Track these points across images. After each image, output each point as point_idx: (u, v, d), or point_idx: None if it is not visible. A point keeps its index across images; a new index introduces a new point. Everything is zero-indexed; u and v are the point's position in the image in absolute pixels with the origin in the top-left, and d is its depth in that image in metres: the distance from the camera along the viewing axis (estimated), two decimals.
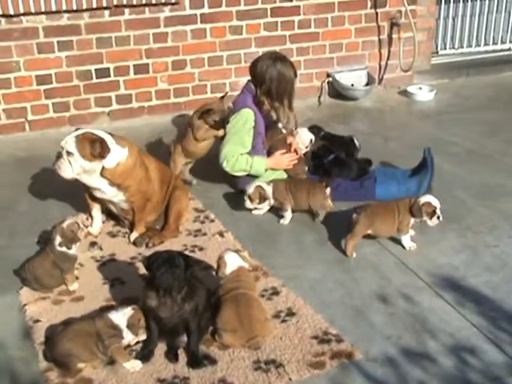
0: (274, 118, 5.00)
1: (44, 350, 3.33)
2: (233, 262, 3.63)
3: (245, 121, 4.89)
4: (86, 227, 4.28)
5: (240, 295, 3.49)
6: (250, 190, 4.62)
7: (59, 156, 4.18)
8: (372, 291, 3.86)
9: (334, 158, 5.11)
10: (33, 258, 4.00)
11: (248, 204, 4.64)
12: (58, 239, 3.87)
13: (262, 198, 4.63)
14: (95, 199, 4.48)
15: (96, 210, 4.57)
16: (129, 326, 3.29)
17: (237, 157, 4.83)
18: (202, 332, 3.42)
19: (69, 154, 4.12)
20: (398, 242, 4.37)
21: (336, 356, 3.30)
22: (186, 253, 4.23)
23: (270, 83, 4.88)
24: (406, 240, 4.30)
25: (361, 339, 3.42)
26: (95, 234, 4.53)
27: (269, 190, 4.64)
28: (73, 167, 4.14)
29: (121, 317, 3.31)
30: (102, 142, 4.10)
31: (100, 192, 4.33)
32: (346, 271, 4.07)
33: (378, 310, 3.69)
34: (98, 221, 4.60)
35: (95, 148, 4.07)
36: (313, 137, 5.17)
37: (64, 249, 3.88)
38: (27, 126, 6.46)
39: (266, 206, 4.73)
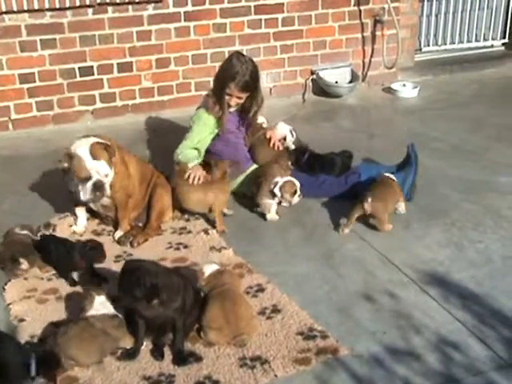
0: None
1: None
2: (210, 268, 3.64)
3: (194, 120, 4.99)
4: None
5: (225, 292, 3.49)
6: (280, 183, 4.63)
7: (97, 184, 4.17)
8: (357, 287, 3.87)
9: (317, 155, 5.11)
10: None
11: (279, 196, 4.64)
12: (17, 228, 4.28)
13: (294, 192, 4.65)
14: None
15: (80, 208, 4.55)
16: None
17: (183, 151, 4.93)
18: (188, 330, 3.41)
19: (107, 175, 4.20)
20: (382, 237, 4.39)
21: (321, 352, 3.30)
22: (171, 252, 4.26)
23: (214, 79, 5.03)
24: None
25: (346, 335, 3.43)
26: (80, 233, 4.52)
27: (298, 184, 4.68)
28: (108, 184, 4.24)
29: (107, 305, 3.37)
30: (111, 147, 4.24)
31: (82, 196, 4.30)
32: (331, 267, 4.08)
33: (363, 306, 3.70)
34: (82, 219, 4.58)
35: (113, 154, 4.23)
36: (290, 129, 5.19)
37: (25, 231, 4.27)
38: (10, 125, 6.42)
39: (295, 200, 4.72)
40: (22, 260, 3.96)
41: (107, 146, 4.20)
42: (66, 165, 4.17)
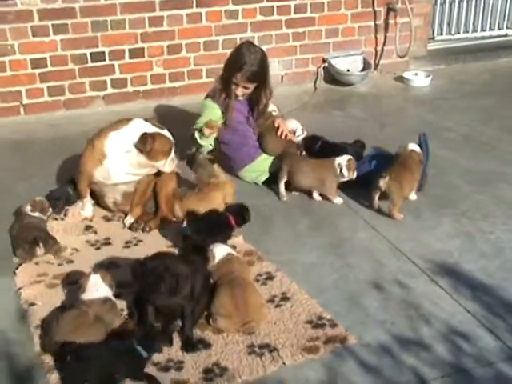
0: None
1: (42, 343, 3.30)
2: (221, 252, 3.65)
3: (202, 109, 5.04)
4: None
5: (234, 279, 3.50)
6: (344, 162, 4.67)
7: (175, 150, 4.37)
8: (366, 276, 3.87)
9: (330, 144, 5.10)
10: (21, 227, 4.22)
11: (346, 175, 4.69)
12: (28, 207, 4.28)
13: (353, 170, 4.70)
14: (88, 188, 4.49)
15: (88, 199, 4.56)
16: (111, 287, 3.42)
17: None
18: (197, 316, 3.42)
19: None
20: (392, 227, 4.38)
21: (330, 341, 3.31)
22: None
23: (223, 67, 5.02)
24: None
25: (355, 324, 3.43)
26: (89, 217, 4.52)
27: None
28: None
29: (101, 288, 3.36)
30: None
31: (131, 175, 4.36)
32: (341, 256, 4.08)
33: (372, 295, 3.70)
34: (89, 204, 4.56)
35: None
36: (302, 127, 5.18)
37: (37, 213, 4.27)
38: (22, 110, 6.43)
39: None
40: (40, 245, 3.98)
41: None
42: (149, 147, 4.16)
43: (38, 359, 3.20)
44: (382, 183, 4.42)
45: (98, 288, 3.36)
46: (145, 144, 4.15)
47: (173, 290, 3.20)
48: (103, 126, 4.39)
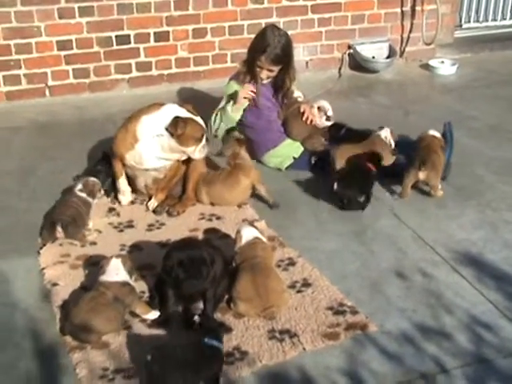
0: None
1: (61, 326, 3.32)
2: (248, 234, 3.64)
3: (226, 91, 5.01)
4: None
5: (256, 264, 3.50)
6: (388, 134, 4.83)
7: (207, 138, 4.38)
8: (388, 264, 3.86)
9: (354, 131, 5.08)
10: (57, 205, 4.23)
11: None
12: (79, 186, 4.21)
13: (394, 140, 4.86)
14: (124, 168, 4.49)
15: (123, 178, 4.51)
16: (130, 273, 3.40)
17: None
18: (218, 300, 3.44)
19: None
20: (415, 215, 4.36)
21: (350, 327, 3.31)
22: (203, 222, 4.27)
23: (247, 50, 5.00)
24: None
25: (376, 312, 3.43)
26: (127, 203, 4.55)
27: None
28: None
29: (121, 272, 3.37)
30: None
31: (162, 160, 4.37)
32: (363, 244, 4.07)
33: (394, 283, 3.69)
34: (126, 187, 4.54)
35: None
36: (329, 108, 5.15)
37: (85, 195, 4.19)
38: (47, 92, 6.47)
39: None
40: (59, 229, 3.99)
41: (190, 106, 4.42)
42: (180, 131, 4.16)
43: (61, 338, 3.24)
44: (421, 175, 4.45)
45: (117, 272, 3.37)
46: (176, 127, 4.14)
47: (197, 273, 3.21)
48: (136, 109, 4.40)
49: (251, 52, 4.89)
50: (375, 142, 4.78)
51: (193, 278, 3.20)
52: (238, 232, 3.67)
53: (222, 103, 4.99)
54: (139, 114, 4.30)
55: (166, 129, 4.17)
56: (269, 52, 4.76)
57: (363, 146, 4.74)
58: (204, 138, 4.30)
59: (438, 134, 4.72)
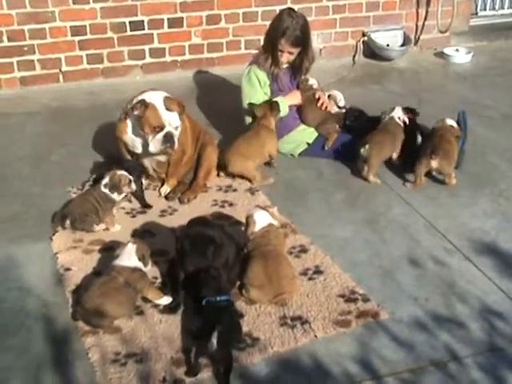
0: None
1: (73, 311, 3.34)
2: (262, 220, 3.62)
3: (248, 76, 4.95)
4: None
5: (268, 251, 3.50)
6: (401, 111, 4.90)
7: (168, 135, 4.19)
8: (400, 252, 3.85)
9: (368, 117, 5.07)
10: (76, 198, 4.22)
11: None
12: (105, 180, 4.08)
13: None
14: (131, 154, 4.48)
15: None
16: (141, 259, 3.39)
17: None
18: (230, 286, 3.44)
19: (177, 128, 4.23)
20: (428, 204, 4.35)
21: (362, 315, 3.31)
22: (216, 209, 4.28)
23: (265, 35, 5.00)
24: None
25: (387, 299, 3.43)
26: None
27: None
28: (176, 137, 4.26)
29: (133, 258, 3.36)
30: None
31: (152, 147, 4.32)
32: (375, 232, 4.06)
33: (406, 271, 3.69)
34: None
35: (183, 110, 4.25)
36: (341, 98, 5.14)
37: (107, 191, 4.06)
38: (61, 77, 6.47)
39: None
40: (67, 222, 4.01)
41: (179, 101, 4.27)
42: (137, 113, 4.16)
43: (73, 323, 3.27)
44: (434, 164, 4.44)
45: (130, 257, 3.38)
46: (134, 108, 4.15)
47: (202, 250, 3.21)
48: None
49: (270, 37, 4.88)
50: (393, 123, 4.80)
51: (196, 254, 3.20)
52: (251, 216, 3.63)
53: (246, 88, 4.95)
54: (132, 98, 4.33)
55: (129, 108, 4.18)
56: (288, 34, 4.77)
57: (387, 132, 4.75)
58: (163, 132, 4.17)
59: (454, 123, 4.70)
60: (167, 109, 4.18)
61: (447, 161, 4.47)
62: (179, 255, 3.28)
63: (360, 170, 4.63)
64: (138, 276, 3.35)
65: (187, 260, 3.22)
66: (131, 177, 4.14)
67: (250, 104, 4.81)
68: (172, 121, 4.19)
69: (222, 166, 4.69)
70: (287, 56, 4.89)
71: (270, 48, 4.86)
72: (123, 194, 4.14)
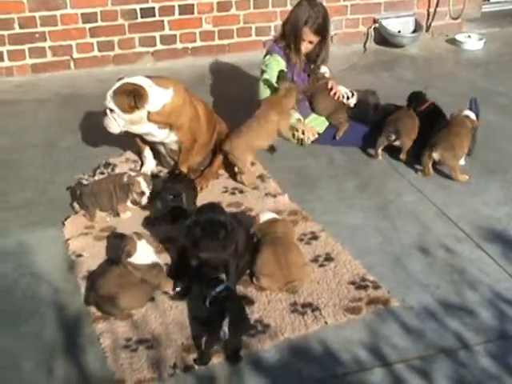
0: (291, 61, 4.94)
1: (86, 296, 3.37)
2: (267, 216, 3.66)
3: (268, 63, 4.92)
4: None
5: (278, 239, 3.50)
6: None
7: (105, 114, 4.21)
8: (411, 240, 3.85)
9: (383, 107, 5.05)
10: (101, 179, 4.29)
11: None
12: (126, 176, 4.09)
13: None
14: (145, 141, 4.49)
15: (148, 150, 4.58)
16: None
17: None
18: (241, 273, 3.45)
19: (111, 111, 4.17)
20: (439, 191, 4.34)
21: (372, 302, 3.31)
22: (226, 196, 4.28)
23: (284, 24, 4.95)
24: None
25: (398, 287, 3.43)
26: (148, 171, 4.57)
27: None
28: (118, 122, 4.19)
29: (150, 254, 3.39)
30: (138, 91, 4.08)
31: (151, 136, 4.33)
32: (386, 219, 4.06)
33: (417, 258, 3.68)
34: (150, 161, 4.61)
35: (132, 99, 4.08)
36: (349, 93, 5.13)
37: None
38: (72, 64, 6.49)
39: None
40: (76, 206, 4.06)
41: (130, 92, 4.11)
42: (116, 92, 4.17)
43: (85, 309, 3.28)
44: (435, 155, 4.41)
45: (147, 254, 3.38)
46: (118, 91, 4.13)
47: (214, 235, 3.21)
48: None
49: (292, 26, 4.84)
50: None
51: (208, 239, 3.21)
52: (256, 216, 3.71)
53: (266, 75, 4.89)
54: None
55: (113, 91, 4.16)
56: (311, 23, 4.77)
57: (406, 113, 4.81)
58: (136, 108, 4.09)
59: (471, 114, 4.65)
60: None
61: (450, 153, 4.41)
62: (191, 241, 3.28)
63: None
64: (156, 272, 3.36)
65: (200, 245, 3.22)
66: (168, 196, 4.02)
67: (281, 71, 4.74)
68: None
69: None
70: (307, 45, 4.89)
71: (293, 37, 4.85)
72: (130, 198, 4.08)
